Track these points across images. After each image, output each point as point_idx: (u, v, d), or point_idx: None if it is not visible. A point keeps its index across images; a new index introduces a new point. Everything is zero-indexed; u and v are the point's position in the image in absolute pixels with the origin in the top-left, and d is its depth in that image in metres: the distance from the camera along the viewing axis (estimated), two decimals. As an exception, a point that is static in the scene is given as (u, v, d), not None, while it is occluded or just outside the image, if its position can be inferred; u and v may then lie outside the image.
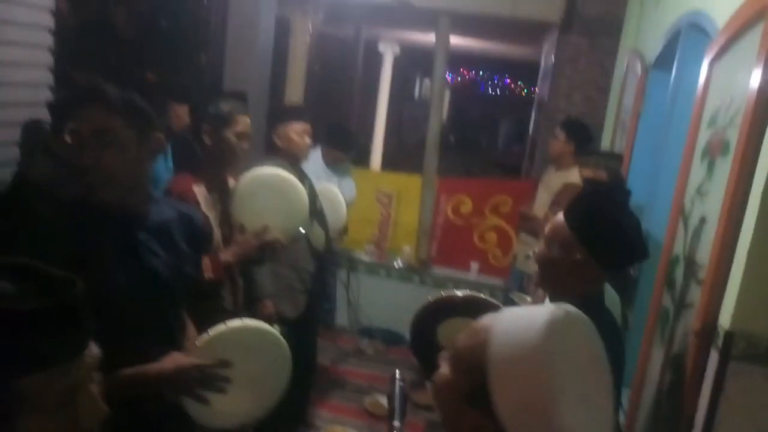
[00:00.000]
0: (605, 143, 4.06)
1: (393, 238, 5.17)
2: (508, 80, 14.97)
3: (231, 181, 2.28)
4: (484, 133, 15.12)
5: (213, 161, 2.23)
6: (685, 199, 2.12)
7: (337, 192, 3.39)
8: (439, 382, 0.95)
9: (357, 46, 8.02)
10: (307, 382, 3.26)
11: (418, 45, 8.84)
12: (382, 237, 5.19)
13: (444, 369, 0.95)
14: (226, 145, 2.20)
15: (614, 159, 3.10)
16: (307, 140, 2.87)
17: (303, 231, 2.52)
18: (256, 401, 1.61)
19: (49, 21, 2.53)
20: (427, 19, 5.00)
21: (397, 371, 1.36)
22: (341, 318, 4.58)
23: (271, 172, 2.34)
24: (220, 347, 1.49)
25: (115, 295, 1.39)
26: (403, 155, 9.68)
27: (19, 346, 0.79)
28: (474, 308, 1.63)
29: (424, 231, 4.87)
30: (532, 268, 3.00)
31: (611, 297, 1.95)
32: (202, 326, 1.60)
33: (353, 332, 4.51)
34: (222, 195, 2.23)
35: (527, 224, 3.71)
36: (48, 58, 2.55)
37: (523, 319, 0.88)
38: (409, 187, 5.17)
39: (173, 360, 1.42)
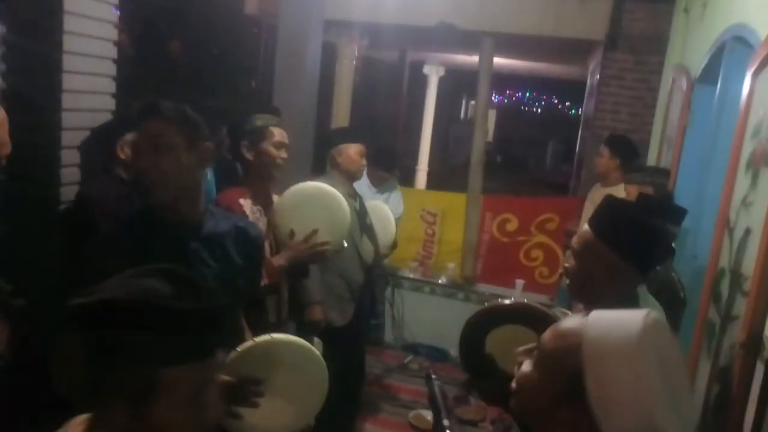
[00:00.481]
0: (651, 159, 4.01)
1: (438, 255, 5.20)
2: (555, 100, 14.87)
3: (274, 196, 2.36)
4: (531, 153, 15.02)
5: (255, 174, 2.33)
6: (730, 210, 2.11)
7: (387, 209, 3.51)
8: (525, 383, 0.98)
9: (402, 69, 8.17)
10: (355, 393, 3.32)
11: (462, 66, 8.91)
12: (427, 255, 5.23)
13: (529, 370, 0.98)
14: (266, 157, 2.29)
15: (661, 174, 3.06)
16: (363, 161, 3.08)
17: (346, 244, 2.59)
18: (292, 414, 1.61)
19: (111, 51, 2.71)
20: (471, 41, 5.07)
21: (430, 371, 1.39)
22: (386, 334, 4.62)
23: (313, 185, 2.41)
24: (250, 363, 1.51)
25: None
26: (448, 175, 9.72)
27: (170, 339, 0.89)
28: (523, 317, 1.66)
29: (468, 248, 4.89)
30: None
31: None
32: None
33: (398, 348, 4.54)
34: (266, 207, 2.31)
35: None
36: (111, 86, 2.73)
37: (617, 322, 0.93)
38: (454, 205, 5.20)
39: None
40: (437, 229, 5.32)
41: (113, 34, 2.68)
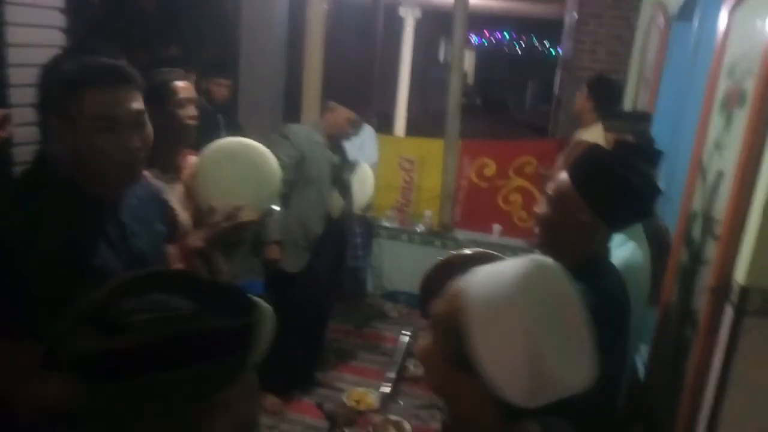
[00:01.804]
0: (628, 100, 3.95)
1: (416, 203, 5.16)
2: (535, 40, 14.64)
3: (192, 158, 2.12)
4: (511, 95, 14.87)
5: (162, 140, 1.94)
6: (704, 153, 2.07)
7: (369, 173, 3.49)
8: (424, 352, 0.98)
9: (376, 11, 7.91)
10: (318, 343, 3.41)
11: (440, 7, 8.67)
12: (406, 202, 5.19)
13: (426, 342, 0.97)
14: (171, 119, 2.01)
15: (642, 120, 2.99)
16: (350, 129, 3.16)
17: (278, 207, 2.53)
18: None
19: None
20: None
21: (405, 330, 1.37)
22: (367, 283, 4.63)
23: (236, 141, 2.13)
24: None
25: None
26: (428, 120, 9.59)
27: (219, 362, 0.76)
28: (481, 261, 1.63)
29: (447, 195, 4.85)
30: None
31: (639, 263, 1.93)
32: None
33: (377, 296, 4.55)
34: (179, 176, 2.08)
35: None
36: (60, 38, 2.58)
37: (494, 278, 0.90)
38: (431, 151, 5.13)
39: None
40: (415, 176, 5.27)
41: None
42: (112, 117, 1.28)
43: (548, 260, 0.92)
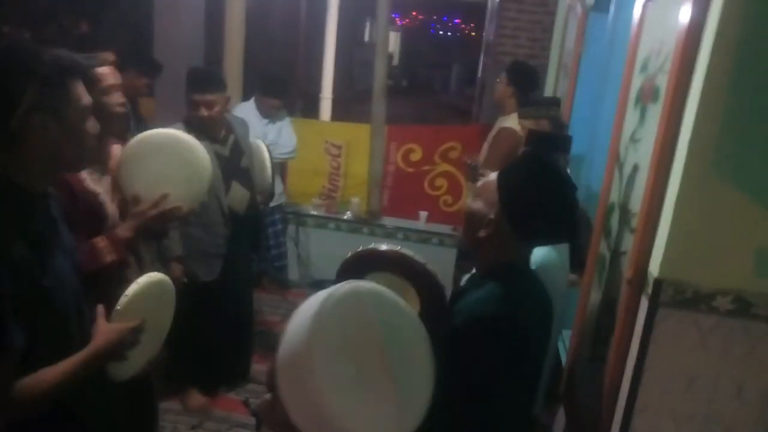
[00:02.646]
0: (549, 86, 4.04)
1: (344, 189, 5.12)
2: (458, 21, 14.75)
3: (116, 147, 2.07)
4: (436, 77, 14.96)
5: None
6: (620, 146, 2.12)
7: (265, 152, 3.21)
8: (264, 409, 1.01)
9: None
10: (243, 339, 3.31)
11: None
12: (333, 189, 5.14)
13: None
14: (98, 109, 1.89)
15: (555, 106, 3.06)
16: (216, 112, 2.78)
17: (206, 200, 2.42)
18: (156, 344, 1.72)
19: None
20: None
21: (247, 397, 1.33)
22: (292, 273, 4.56)
23: (163, 132, 2.08)
24: (137, 305, 1.57)
25: (62, 286, 1.37)
26: (355, 102, 9.49)
27: None
28: (400, 266, 1.61)
29: (374, 181, 4.83)
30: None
31: (554, 263, 1.96)
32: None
33: (304, 286, 4.50)
34: (106, 166, 2.02)
35: (474, 173, 3.70)
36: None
37: (300, 315, 0.89)
38: (358, 136, 5.10)
39: (109, 332, 1.44)
40: (342, 162, 5.22)
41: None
42: (89, 106, 1.39)
43: (361, 289, 0.90)
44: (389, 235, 4.50)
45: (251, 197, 2.98)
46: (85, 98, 1.38)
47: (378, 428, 0.84)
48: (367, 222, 4.63)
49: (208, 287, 2.88)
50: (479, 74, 7.50)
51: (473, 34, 13.77)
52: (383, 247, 1.61)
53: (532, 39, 5.32)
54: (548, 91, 3.96)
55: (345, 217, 4.67)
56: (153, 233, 2.14)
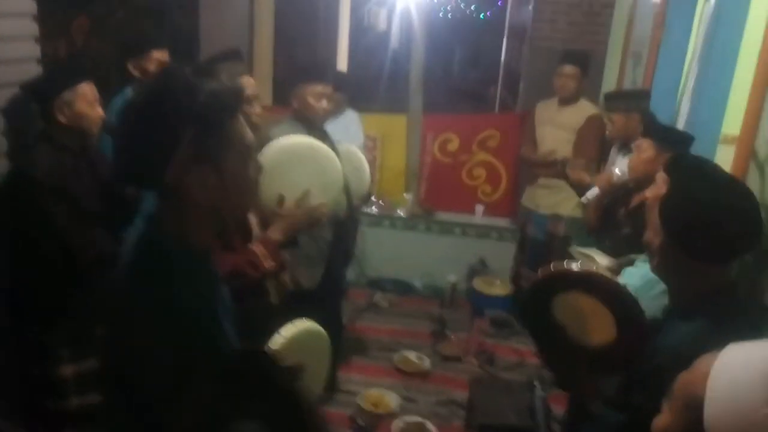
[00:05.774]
0: (611, 75, 3.93)
1: (380, 182, 5.01)
2: (461, 3, 14.57)
3: None
4: (438, 60, 14.75)
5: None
6: (758, 141, 2.03)
7: (360, 155, 3.09)
8: (659, 429, 0.92)
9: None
10: (333, 351, 3.18)
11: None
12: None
13: (665, 416, 0.91)
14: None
15: (644, 98, 2.97)
16: (325, 104, 2.68)
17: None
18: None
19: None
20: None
21: (535, 382, 1.25)
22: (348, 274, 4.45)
23: (299, 140, 2.13)
24: (292, 349, 1.54)
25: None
26: (370, 89, 9.32)
27: None
28: (589, 282, 1.52)
29: (415, 174, 4.74)
30: (584, 213, 2.91)
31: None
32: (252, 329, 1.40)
33: (361, 286, 4.39)
34: None
35: (548, 170, 3.61)
36: (33, 27, 2.20)
37: (752, 355, 0.83)
38: (393, 127, 4.98)
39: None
40: (378, 155, 5.10)
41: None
42: (251, 145, 1.25)
43: None
44: (446, 231, 4.40)
45: (349, 204, 2.87)
46: (247, 136, 1.17)
47: None
48: (422, 218, 4.53)
49: (307, 295, 2.76)
50: (502, 57, 7.40)
51: (477, 15, 13.59)
52: (573, 266, 1.52)
53: (571, 23, 5.20)
54: (610, 80, 3.86)
55: (400, 213, 4.54)
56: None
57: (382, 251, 4.39)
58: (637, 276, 1.77)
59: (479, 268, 4.20)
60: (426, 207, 4.61)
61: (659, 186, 1.38)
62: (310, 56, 7.16)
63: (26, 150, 2.10)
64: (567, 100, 3.61)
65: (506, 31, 7.23)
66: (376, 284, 4.39)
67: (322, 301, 2.82)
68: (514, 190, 4.71)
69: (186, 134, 1.03)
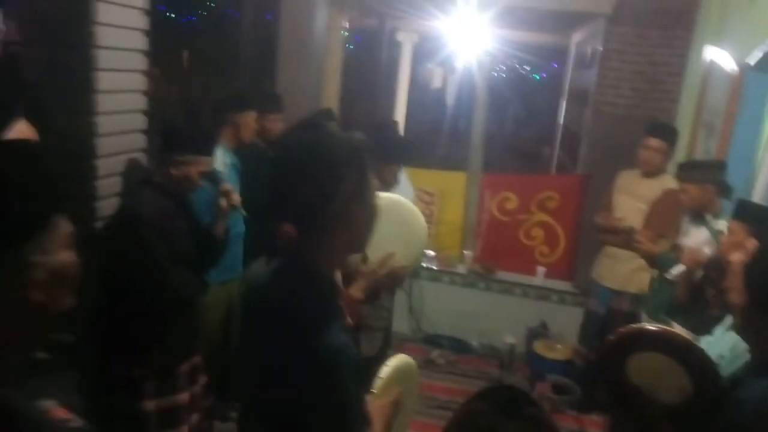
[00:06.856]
0: (682, 143, 3.91)
1: (437, 237, 5.05)
2: (516, 63, 14.81)
3: None
4: (492, 118, 14.87)
5: None
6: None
7: (412, 205, 3.16)
8: None
9: (380, 36, 7.82)
10: None
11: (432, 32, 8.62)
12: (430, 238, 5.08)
13: None
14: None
15: (720, 169, 2.93)
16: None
17: (424, 264, 2.38)
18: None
19: (140, 42, 2.35)
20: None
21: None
22: (402, 326, 4.44)
23: (383, 196, 2.19)
24: (390, 386, 1.61)
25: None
26: (426, 146, 9.48)
27: None
28: (665, 343, 1.54)
29: (470, 230, 4.77)
30: (675, 289, 2.85)
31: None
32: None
33: (418, 341, 4.38)
34: None
35: (616, 237, 3.53)
36: (141, 82, 2.37)
37: None
38: (451, 184, 5.06)
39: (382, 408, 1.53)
40: (435, 210, 5.17)
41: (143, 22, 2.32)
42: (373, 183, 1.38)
43: None
44: (506, 290, 4.38)
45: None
46: (373, 177, 1.34)
47: None
48: (483, 276, 4.53)
49: (367, 364, 2.76)
50: (562, 121, 7.47)
51: (531, 75, 13.79)
52: (648, 326, 1.56)
53: (634, 89, 5.25)
54: (680, 149, 3.82)
55: (460, 270, 4.55)
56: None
57: (441, 307, 4.39)
58: (716, 342, 1.76)
59: (540, 331, 4.14)
60: (485, 265, 4.61)
61: (746, 250, 1.43)
62: (371, 111, 7.36)
63: (134, 191, 2.24)
64: (650, 173, 3.53)
65: (566, 94, 7.31)
66: (433, 340, 4.37)
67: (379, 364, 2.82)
68: (572, 253, 4.69)
69: (347, 178, 1.19)
